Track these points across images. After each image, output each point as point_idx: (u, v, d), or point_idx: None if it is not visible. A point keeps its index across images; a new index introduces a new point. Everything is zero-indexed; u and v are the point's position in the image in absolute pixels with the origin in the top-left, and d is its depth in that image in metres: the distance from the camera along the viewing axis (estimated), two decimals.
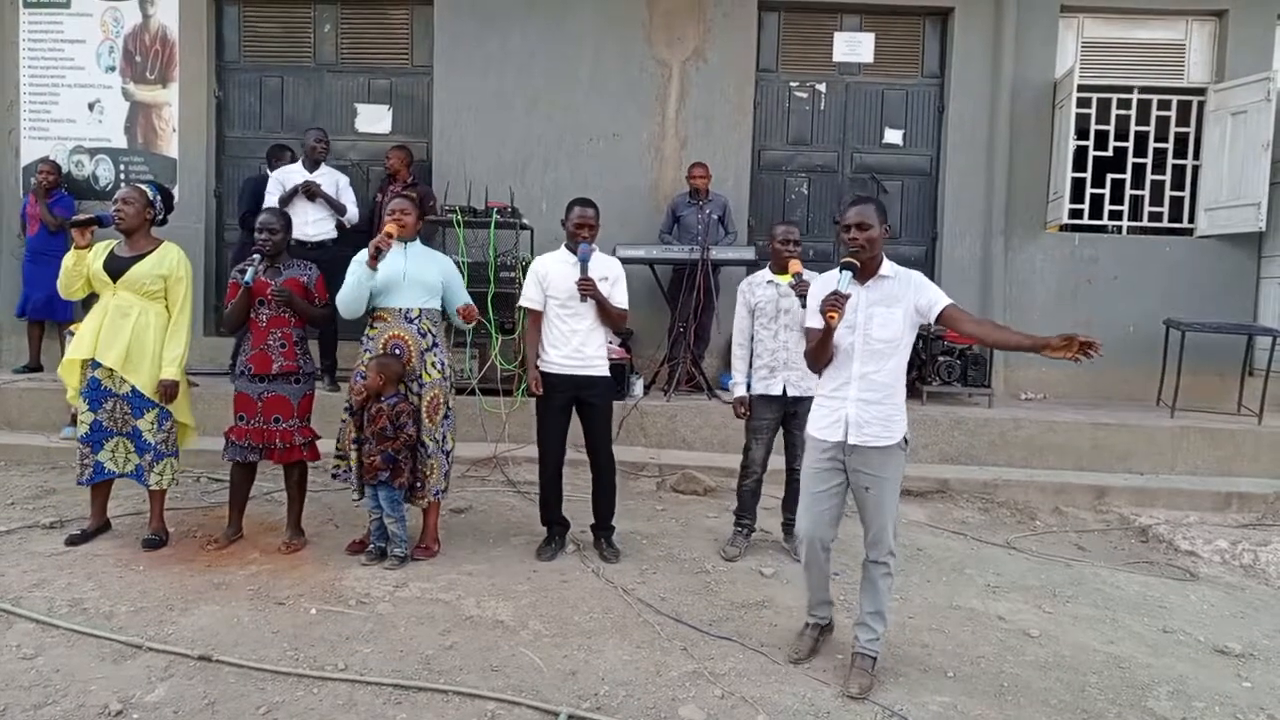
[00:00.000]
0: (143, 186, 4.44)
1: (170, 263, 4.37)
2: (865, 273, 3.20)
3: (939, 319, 3.16)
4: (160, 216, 4.48)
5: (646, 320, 7.44)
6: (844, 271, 3.11)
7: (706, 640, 3.58)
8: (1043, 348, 2.87)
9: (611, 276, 4.49)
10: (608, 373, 4.56)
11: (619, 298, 4.50)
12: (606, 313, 4.44)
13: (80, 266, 4.27)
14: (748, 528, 4.78)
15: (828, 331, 3.14)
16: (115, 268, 4.28)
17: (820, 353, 3.24)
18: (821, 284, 3.29)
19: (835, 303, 3.04)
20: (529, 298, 4.51)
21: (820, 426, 3.32)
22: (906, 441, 3.29)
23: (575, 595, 4.01)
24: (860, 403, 3.21)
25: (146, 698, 2.98)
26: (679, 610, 3.87)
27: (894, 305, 3.18)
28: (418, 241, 4.51)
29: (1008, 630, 3.82)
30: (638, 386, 6.86)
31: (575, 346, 4.41)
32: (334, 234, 6.68)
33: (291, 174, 6.64)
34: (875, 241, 3.17)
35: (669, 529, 5.10)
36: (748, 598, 4.05)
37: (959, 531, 5.29)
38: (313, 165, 6.67)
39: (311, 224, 6.58)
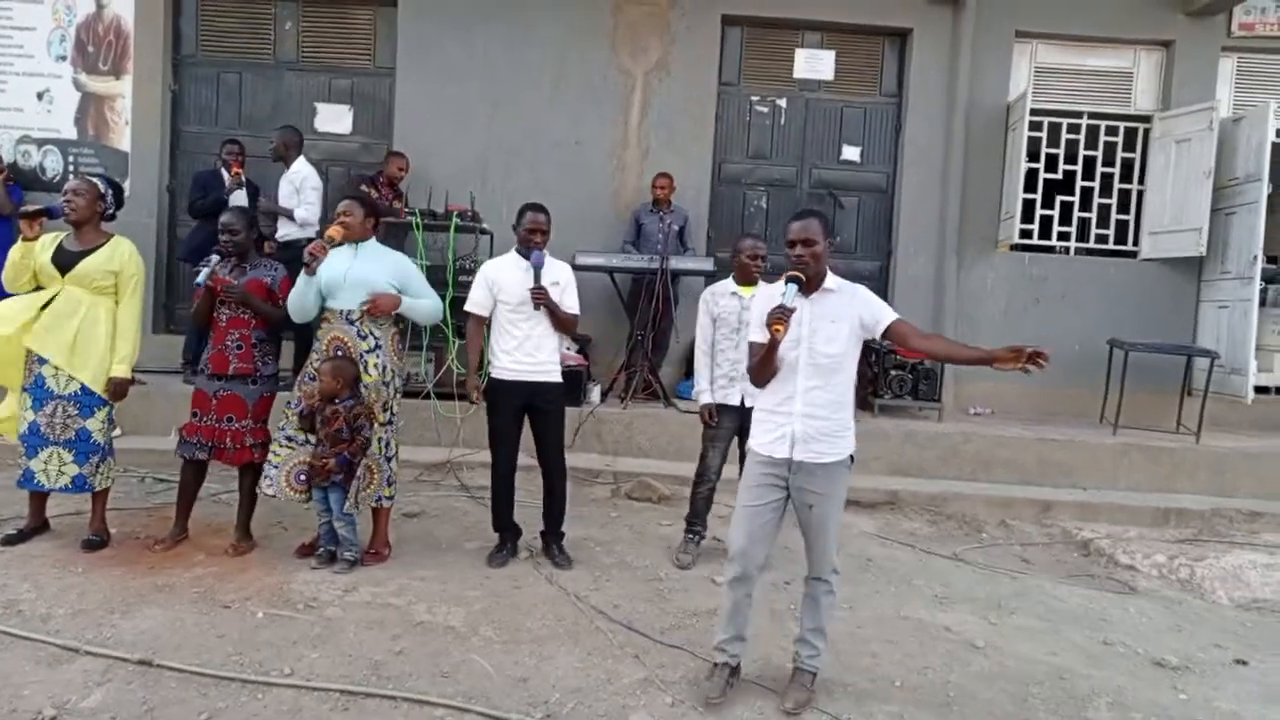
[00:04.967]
0: (93, 179, 4.34)
1: (122, 258, 4.27)
2: (810, 287, 3.14)
3: (886, 334, 3.14)
4: (110, 211, 4.38)
5: (605, 328, 7.45)
6: (789, 285, 3.05)
7: (658, 648, 3.58)
8: (992, 360, 2.92)
9: (562, 281, 4.49)
10: (560, 379, 4.55)
11: (569, 302, 4.50)
12: (558, 318, 4.43)
13: (28, 259, 4.16)
14: (699, 534, 4.80)
15: (773, 345, 3.04)
16: (64, 261, 4.18)
17: (765, 367, 3.13)
18: (765, 297, 3.22)
19: (781, 315, 2.96)
20: (476, 303, 4.48)
21: (764, 442, 3.21)
22: (852, 459, 3.23)
23: (527, 602, 3.99)
24: (806, 418, 3.13)
25: (83, 703, 2.90)
26: (631, 618, 3.87)
27: (839, 319, 3.14)
28: (372, 242, 4.45)
29: (954, 641, 3.89)
30: (595, 393, 6.86)
31: (528, 352, 4.40)
32: (297, 233, 6.58)
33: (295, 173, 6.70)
34: (820, 257, 3.11)
35: (623, 536, 5.10)
36: (700, 606, 4.06)
37: (908, 543, 5.36)
38: (284, 164, 6.74)
39: (279, 225, 6.67)
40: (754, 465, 3.26)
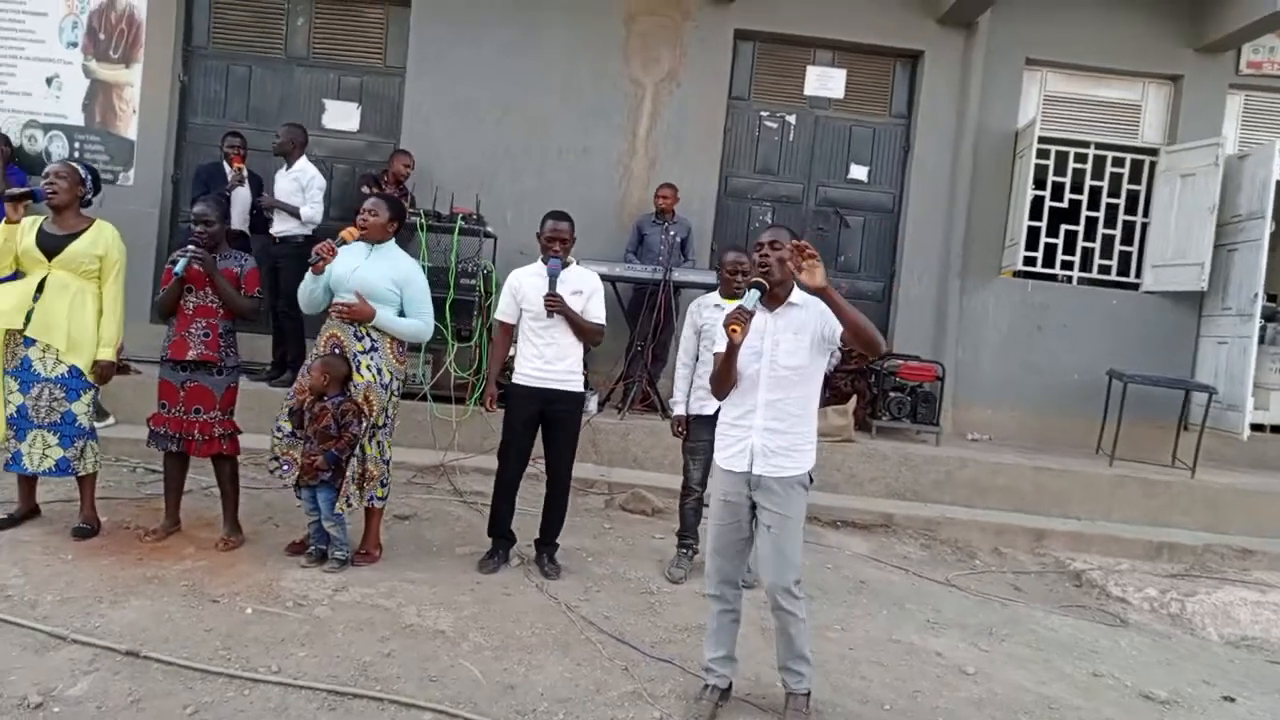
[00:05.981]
0: (74, 164, 4.38)
1: (107, 241, 4.29)
2: (775, 300, 3.12)
3: (842, 337, 3.04)
4: (89, 197, 4.40)
5: (604, 337, 7.41)
6: (751, 290, 3.01)
7: (647, 661, 3.56)
8: (818, 290, 2.89)
9: (587, 290, 4.47)
10: (580, 389, 4.53)
11: (594, 311, 4.48)
12: (579, 327, 4.42)
13: (11, 243, 4.14)
14: (691, 548, 4.78)
15: (731, 349, 3.02)
16: (49, 245, 4.18)
17: (724, 375, 3.11)
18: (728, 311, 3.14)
19: (739, 317, 2.91)
20: (501, 310, 4.52)
21: (726, 456, 3.20)
22: (811, 479, 3.18)
23: (518, 609, 3.96)
24: (767, 431, 3.10)
25: (68, 691, 2.88)
26: (621, 630, 3.85)
27: (802, 333, 3.10)
28: (390, 244, 4.42)
29: (944, 666, 3.87)
30: (592, 403, 6.82)
31: (548, 360, 4.39)
32: (298, 230, 6.58)
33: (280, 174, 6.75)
34: (784, 263, 3.06)
35: (615, 548, 5.08)
36: (691, 621, 4.03)
37: (901, 566, 5.35)
38: (285, 160, 6.72)
39: (276, 220, 6.67)
40: (718, 482, 3.26)
